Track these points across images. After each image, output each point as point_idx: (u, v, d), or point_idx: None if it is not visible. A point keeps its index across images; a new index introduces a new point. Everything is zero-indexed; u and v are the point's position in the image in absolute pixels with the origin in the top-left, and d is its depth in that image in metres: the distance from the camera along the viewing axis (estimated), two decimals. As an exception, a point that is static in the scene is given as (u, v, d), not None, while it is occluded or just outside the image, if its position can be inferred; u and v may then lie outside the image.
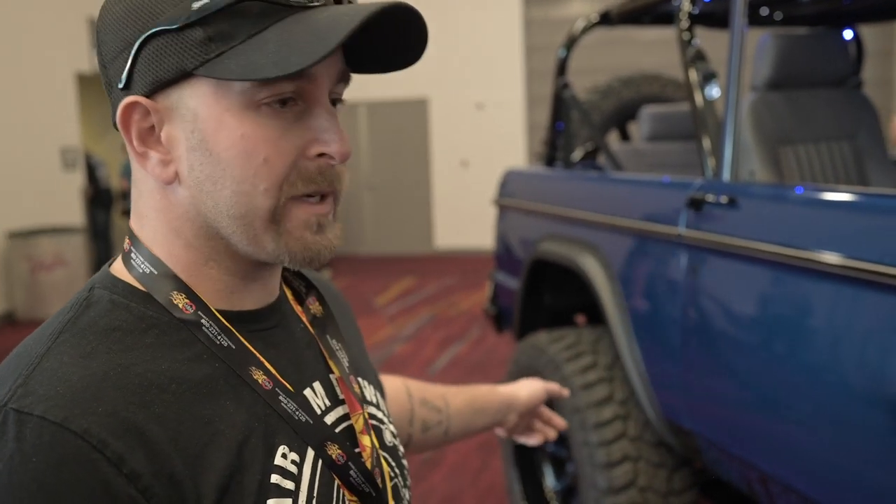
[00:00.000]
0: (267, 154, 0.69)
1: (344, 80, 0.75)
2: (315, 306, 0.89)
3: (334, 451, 0.76)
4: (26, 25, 7.85)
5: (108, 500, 0.61)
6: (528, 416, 1.34)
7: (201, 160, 0.70)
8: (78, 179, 8.73)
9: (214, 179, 0.70)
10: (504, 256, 3.51)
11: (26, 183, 7.85)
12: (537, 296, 3.17)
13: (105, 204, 9.29)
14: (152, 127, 0.71)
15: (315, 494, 0.73)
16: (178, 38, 0.67)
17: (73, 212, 8.61)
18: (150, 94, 0.70)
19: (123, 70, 0.70)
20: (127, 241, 0.77)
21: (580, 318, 3.34)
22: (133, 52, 0.69)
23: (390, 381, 1.18)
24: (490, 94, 10.82)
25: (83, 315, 0.70)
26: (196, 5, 0.66)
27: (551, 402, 2.72)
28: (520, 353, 2.87)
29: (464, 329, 6.64)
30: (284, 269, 0.90)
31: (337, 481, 0.76)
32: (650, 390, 2.29)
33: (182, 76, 0.68)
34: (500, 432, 1.34)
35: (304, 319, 0.87)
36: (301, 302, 0.89)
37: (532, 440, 1.37)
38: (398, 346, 6.16)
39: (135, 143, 0.71)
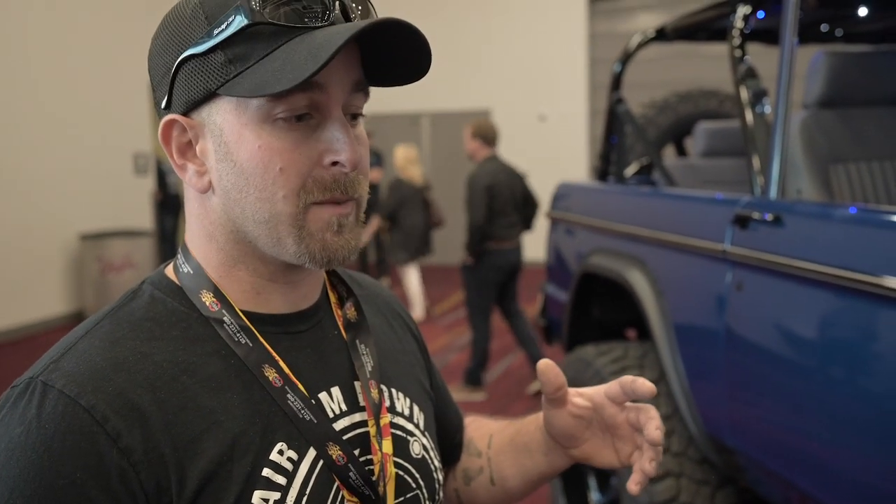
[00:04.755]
0: (282, 164, 0.75)
1: (360, 91, 0.80)
2: (350, 312, 0.93)
3: (335, 452, 0.80)
4: (100, 34, 8.18)
5: (101, 468, 0.69)
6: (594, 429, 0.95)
7: (227, 170, 0.77)
8: (149, 184, 9.03)
9: (239, 188, 0.77)
10: (555, 269, 3.52)
11: (99, 187, 8.17)
12: (586, 309, 3.18)
13: (173, 209, 9.58)
14: (190, 142, 0.79)
15: (308, 492, 0.78)
16: (204, 62, 0.75)
17: (142, 216, 8.91)
18: (185, 113, 0.78)
19: (165, 92, 0.78)
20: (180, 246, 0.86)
21: (630, 333, 3.34)
22: (171, 75, 0.77)
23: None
24: (553, 106, 10.80)
25: (126, 306, 0.80)
26: (216, 31, 0.74)
27: None
28: (566, 366, 2.88)
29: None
30: (329, 275, 0.95)
31: (337, 482, 0.80)
32: (693, 406, 2.29)
33: (209, 96, 0.76)
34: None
35: (340, 325, 0.91)
36: (341, 308, 0.93)
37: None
38: (453, 355, 6.20)
39: (175, 156, 0.80)
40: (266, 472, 0.76)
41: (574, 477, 3.00)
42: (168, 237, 9.72)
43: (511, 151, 10.99)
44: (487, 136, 5.02)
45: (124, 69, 8.39)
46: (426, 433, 0.95)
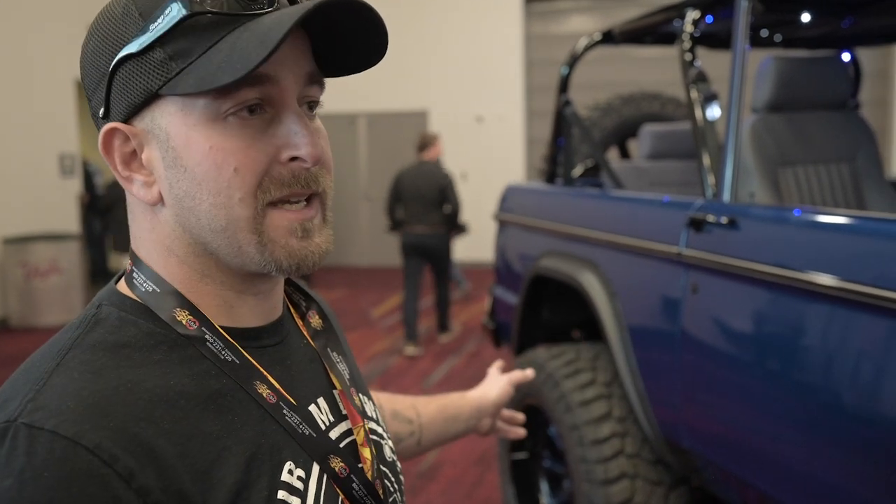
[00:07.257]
0: (237, 164, 0.70)
1: (315, 82, 0.75)
2: (315, 320, 0.89)
3: (337, 465, 0.77)
4: (26, 31, 7.87)
5: None
6: (499, 415, 1.38)
7: (178, 177, 0.71)
8: (75, 186, 8.73)
9: (192, 195, 0.71)
10: (504, 271, 3.52)
11: (23, 189, 7.86)
12: (536, 311, 3.18)
13: (101, 211, 9.28)
14: (134, 151, 0.73)
15: None
16: (142, 62, 0.69)
17: (69, 219, 8.61)
18: (126, 120, 0.71)
19: (102, 99, 0.72)
20: (129, 261, 0.78)
21: (576, 333, 3.35)
22: (107, 80, 0.71)
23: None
24: (490, 108, 10.85)
25: (92, 332, 0.71)
26: (151, 26, 0.68)
27: (542, 414, 2.73)
28: (518, 369, 2.87)
29: (460, 343, 6.64)
30: (286, 284, 0.90)
31: (341, 495, 0.77)
32: (648, 408, 2.30)
33: (151, 98, 0.70)
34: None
35: (306, 334, 0.87)
36: (302, 316, 0.89)
37: (510, 435, 1.41)
38: (393, 358, 6.15)
39: (119, 168, 0.73)
40: (281, 494, 0.71)
41: (526, 481, 3.00)
42: (96, 241, 9.43)
43: (448, 152, 11.00)
44: (418, 143, 6.29)
45: (49, 67, 8.10)
46: (389, 435, 0.95)
